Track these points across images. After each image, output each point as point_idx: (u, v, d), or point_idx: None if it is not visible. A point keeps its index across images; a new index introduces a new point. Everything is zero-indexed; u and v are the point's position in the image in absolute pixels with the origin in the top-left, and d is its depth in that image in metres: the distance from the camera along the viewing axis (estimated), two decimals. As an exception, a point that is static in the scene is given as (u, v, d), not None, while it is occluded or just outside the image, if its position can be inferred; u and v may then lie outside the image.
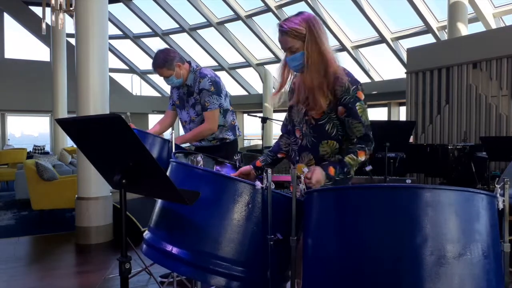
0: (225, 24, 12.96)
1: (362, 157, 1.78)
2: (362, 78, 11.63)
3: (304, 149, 1.90)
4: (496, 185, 1.36)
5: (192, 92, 3.04)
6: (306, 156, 1.90)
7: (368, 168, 3.94)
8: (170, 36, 14.48)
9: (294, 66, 1.84)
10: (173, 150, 2.58)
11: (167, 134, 3.04)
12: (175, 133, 2.88)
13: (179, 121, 3.28)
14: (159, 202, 1.75)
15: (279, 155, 2.07)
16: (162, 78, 3.06)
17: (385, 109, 11.29)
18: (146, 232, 1.75)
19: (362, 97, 1.79)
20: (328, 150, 1.85)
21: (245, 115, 15.69)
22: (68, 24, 9.65)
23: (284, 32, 1.77)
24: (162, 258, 1.60)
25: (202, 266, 1.53)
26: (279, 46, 1.87)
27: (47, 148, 14.40)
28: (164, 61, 2.94)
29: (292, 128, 1.98)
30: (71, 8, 7.65)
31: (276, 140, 2.14)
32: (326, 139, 1.84)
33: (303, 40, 1.76)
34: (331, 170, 1.74)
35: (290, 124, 2.02)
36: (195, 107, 3.05)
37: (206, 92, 2.95)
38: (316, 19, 1.78)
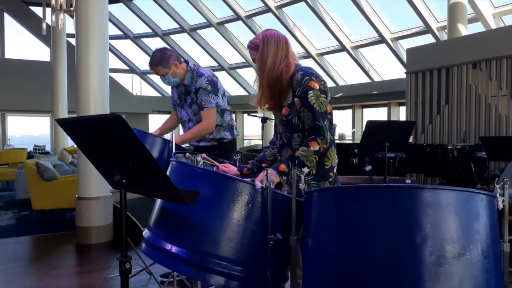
0: (225, 24, 12.96)
1: (314, 147, 1.85)
2: (362, 78, 11.64)
3: (283, 146, 2.02)
4: (496, 185, 1.36)
5: (189, 92, 3.04)
6: (286, 151, 2.01)
7: (368, 168, 3.95)
8: (170, 36, 14.49)
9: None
10: (173, 150, 2.59)
11: (167, 134, 3.04)
12: (175, 132, 2.89)
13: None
14: (158, 201, 1.75)
15: (263, 165, 2.17)
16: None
17: (385, 109, 11.29)
18: (146, 231, 1.75)
19: (316, 86, 1.88)
20: (298, 142, 1.96)
21: (245, 115, 15.69)
22: (69, 24, 9.67)
23: (248, 47, 2.03)
24: (161, 257, 1.60)
25: (201, 265, 1.53)
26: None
27: (48, 148, 14.40)
28: (160, 59, 2.95)
29: (275, 131, 2.12)
30: (71, 8, 7.65)
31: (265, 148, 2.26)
32: (296, 132, 1.96)
33: None
34: (282, 167, 1.85)
35: (275, 135, 2.16)
36: (192, 106, 3.05)
37: (203, 90, 2.95)
38: (273, 35, 1.95)
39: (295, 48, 2.05)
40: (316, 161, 1.87)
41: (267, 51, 1.93)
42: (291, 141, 1.97)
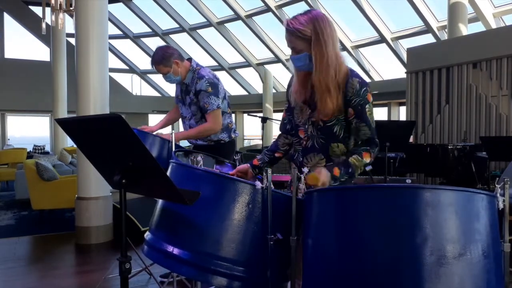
0: (225, 24, 12.96)
1: (366, 159, 1.76)
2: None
3: (311, 150, 1.86)
4: (496, 185, 1.36)
5: (189, 91, 3.03)
6: (315, 156, 1.85)
7: (368, 168, 3.94)
8: (170, 36, 14.48)
9: (298, 66, 1.81)
10: (173, 150, 2.58)
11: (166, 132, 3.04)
12: (175, 130, 2.89)
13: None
14: (159, 203, 1.75)
15: (276, 155, 2.04)
16: (161, 76, 3.07)
17: (385, 109, 11.29)
18: (147, 233, 1.75)
19: (371, 99, 1.78)
20: (338, 152, 1.82)
21: (245, 115, 15.69)
22: (68, 24, 9.67)
23: (290, 31, 1.73)
24: (163, 259, 1.60)
25: (203, 266, 1.53)
26: (279, 46, 1.86)
27: (47, 148, 14.41)
28: (161, 58, 2.95)
29: (295, 128, 1.94)
30: (71, 8, 7.65)
31: (275, 139, 2.11)
32: (335, 141, 1.81)
33: (308, 42, 1.71)
34: (336, 171, 1.71)
35: (289, 124, 1.99)
36: (191, 106, 3.05)
37: (204, 93, 2.94)
38: (324, 19, 1.72)
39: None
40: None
41: (325, 44, 1.68)
42: (329, 150, 1.82)
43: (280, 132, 2.07)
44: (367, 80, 11.26)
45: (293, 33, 1.71)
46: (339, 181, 1.73)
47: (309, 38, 1.70)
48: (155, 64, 2.97)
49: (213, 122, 2.96)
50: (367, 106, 1.75)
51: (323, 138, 1.82)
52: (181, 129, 3.30)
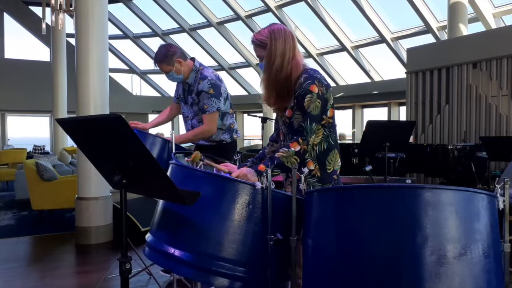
0: (225, 24, 12.96)
1: (295, 148, 1.82)
2: (362, 78, 11.64)
3: None
4: (496, 185, 1.36)
5: (192, 91, 3.03)
6: None
7: (368, 168, 3.94)
8: (170, 36, 14.48)
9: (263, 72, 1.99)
10: (173, 150, 2.58)
11: (167, 134, 3.04)
12: (175, 132, 2.89)
13: (178, 119, 3.29)
14: (160, 204, 1.75)
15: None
16: (163, 76, 3.07)
17: (385, 109, 11.29)
18: (148, 234, 1.74)
19: (316, 90, 1.83)
20: None
21: (245, 115, 15.69)
22: (68, 24, 9.66)
23: (254, 42, 1.94)
24: (164, 260, 1.60)
25: (204, 267, 1.53)
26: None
27: (47, 148, 14.39)
28: (164, 56, 2.94)
29: (278, 133, 2.07)
30: (71, 8, 7.65)
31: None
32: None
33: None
34: (261, 167, 1.80)
35: (276, 132, 2.12)
36: (193, 106, 3.05)
37: (205, 94, 2.94)
38: (281, 31, 1.89)
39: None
40: (297, 162, 1.82)
41: (275, 49, 1.86)
42: None
43: (269, 141, 2.20)
44: (367, 80, 11.30)
45: (256, 44, 1.93)
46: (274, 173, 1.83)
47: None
48: (157, 62, 2.97)
49: (209, 125, 2.97)
50: (308, 96, 1.83)
51: (289, 134, 1.94)
52: (182, 128, 3.31)
